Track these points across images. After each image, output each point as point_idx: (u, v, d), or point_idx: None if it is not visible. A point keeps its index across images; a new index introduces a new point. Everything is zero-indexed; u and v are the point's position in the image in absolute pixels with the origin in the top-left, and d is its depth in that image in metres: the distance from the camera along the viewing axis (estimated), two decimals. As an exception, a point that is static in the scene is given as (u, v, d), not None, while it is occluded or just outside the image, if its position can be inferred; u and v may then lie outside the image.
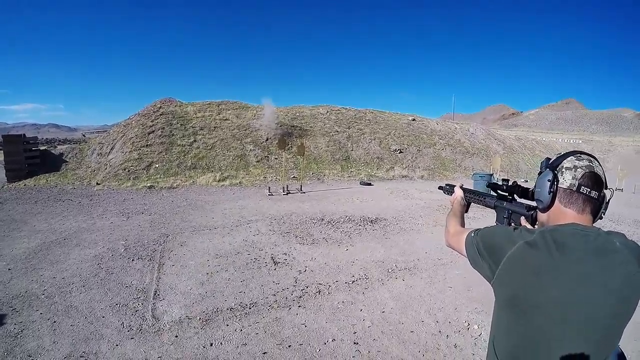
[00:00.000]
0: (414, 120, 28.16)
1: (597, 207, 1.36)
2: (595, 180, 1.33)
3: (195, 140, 17.71)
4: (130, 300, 4.83)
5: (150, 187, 13.20)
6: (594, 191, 1.32)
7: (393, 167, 20.83)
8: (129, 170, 14.62)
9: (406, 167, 21.32)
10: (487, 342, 1.45)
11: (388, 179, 18.75)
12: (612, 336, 1.23)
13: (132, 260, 6.22)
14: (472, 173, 16.50)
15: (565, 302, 1.20)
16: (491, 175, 15.17)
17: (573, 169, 1.35)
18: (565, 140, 58.57)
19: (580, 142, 57.18)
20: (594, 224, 1.35)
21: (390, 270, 6.27)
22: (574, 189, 1.33)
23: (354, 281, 5.75)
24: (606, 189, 1.37)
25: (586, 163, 1.35)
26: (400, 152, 22.67)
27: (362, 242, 7.78)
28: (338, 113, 25.22)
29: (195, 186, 13.96)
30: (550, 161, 1.46)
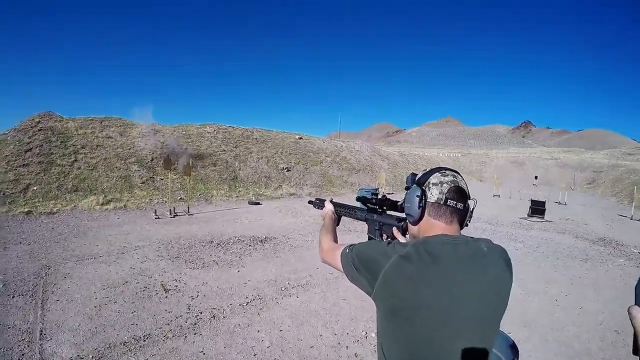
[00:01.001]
0: (300, 138, 29.15)
1: (463, 216, 1.47)
2: (460, 193, 1.43)
3: (76, 160, 16.71)
4: (15, 342, 4.53)
5: (28, 213, 12.22)
6: (459, 203, 1.43)
7: (281, 186, 21.46)
8: (4, 194, 13.29)
9: (294, 185, 22.09)
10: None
11: (276, 198, 19.28)
12: (491, 329, 1.32)
13: (12, 297, 5.84)
14: (358, 188, 17.50)
15: (442, 306, 1.25)
16: (377, 189, 16.29)
17: (439, 185, 1.44)
18: (446, 154, 63.75)
19: (459, 155, 62.50)
20: (461, 232, 1.48)
21: (283, 289, 6.56)
22: (442, 202, 1.42)
23: (248, 302, 5.89)
24: (469, 199, 1.48)
25: (451, 178, 1.45)
26: (288, 170, 23.39)
27: (254, 262, 8.05)
28: (225, 132, 25.36)
29: (77, 210, 13.21)
30: (417, 177, 1.54)
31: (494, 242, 1.40)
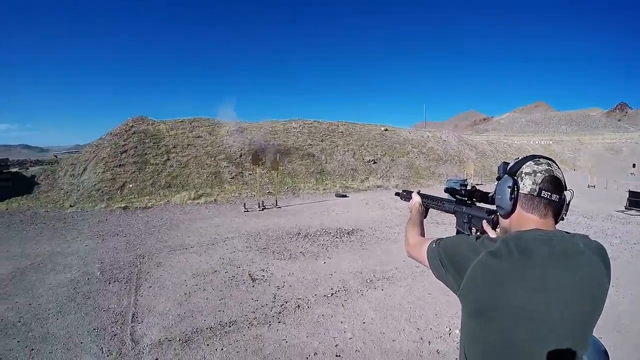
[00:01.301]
0: (386, 130, 28.56)
1: (559, 209, 1.35)
2: (555, 184, 1.32)
3: (168, 159, 17.61)
4: (109, 324, 4.77)
5: (124, 208, 13.04)
6: (554, 194, 1.32)
7: (368, 178, 21.08)
8: (102, 191, 14.43)
9: (381, 177, 21.61)
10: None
11: (363, 190, 18.92)
12: (584, 333, 1.24)
13: (109, 283, 6.16)
14: (446, 179, 16.80)
15: (532, 307, 1.19)
16: (465, 180, 15.46)
17: (533, 174, 1.34)
18: (537, 142, 60.01)
19: (551, 142, 58.63)
20: (556, 226, 1.36)
21: (369, 281, 6.33)
22: (535, 194, 1.32)
23: (333, 294, 5.78)
24: (566, 190, 1.37)
25: (545, 167, 1.34)
26: (374, 162, 22.95)
27: (340, 254, 7.87)
28: (311, 127, 25.44)
29: (170, 205, 13.85)
30: (509, 166, 1.45)
31: (591, 239, 1.30)
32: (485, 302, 1.24)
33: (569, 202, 1.37)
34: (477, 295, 1.26)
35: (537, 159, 1.38)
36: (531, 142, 58.35)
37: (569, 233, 1.30)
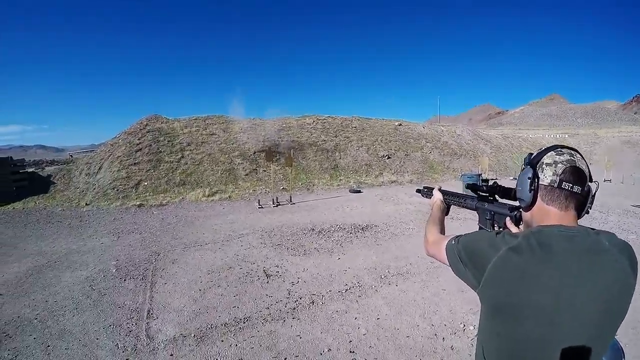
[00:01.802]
0: (400, 125, 28.38)
1: (582, 202, 1.31)
2: (578, 175, 1.28)
3: (183, 157, 17.67)
4: (124, 320, 4.82)
5: (139, 206, 13.13)
6: (576, 186, 1.27)
7: (382, 173, 20.94)
8: (117, 190, 14.53)
9: (395, 172, 21.45)
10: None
11: (377, 185, 18.78)
12: (606, 335, 1.21)
13: (124, 280, 6.20)
14: (461, 174, 16.62)
15: (554, 305, 1.17)
16: (479, 175, 15.29)
17: (553, 165, 1.31)
18: (552, 136, 59.29)
19: (566, 136, 57.82)
20: (581, 219, 1.33)
21: (383, 277, 6.30)
22: (555, 185, 1.29)
23: (347, 289, 5.76)
24: (591, 182, 1.33)
25: (567, 157, 1.31)
26: (389, 157, 22.81)
27: (354, 249, 7.82)
28: (324, 122, 25.34)
29: (185, 202, 13.91)
30: (532, 157, 1.41)
31: (618, 237, 1.25)
32: (504, 299, 1.22)
33: (594, 194, 1.33)
34: (497, 291, 1.24)
35: (559, 149, 1.35)
36: (546, 136, 57.56)
37: (594, 230, 1.27)
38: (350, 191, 16.71)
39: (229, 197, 14.83)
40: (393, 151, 23.66)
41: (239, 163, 18.22)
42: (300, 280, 6.17)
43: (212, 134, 20.30)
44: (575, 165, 1.29)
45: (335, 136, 23.50)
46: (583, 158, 1.35)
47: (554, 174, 1.29)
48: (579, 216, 1.32)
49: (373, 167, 21.49)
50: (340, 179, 19.15)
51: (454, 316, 4.92)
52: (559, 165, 1.29)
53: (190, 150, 18.27)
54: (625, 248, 1.23)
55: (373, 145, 23.61)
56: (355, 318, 4.86)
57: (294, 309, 5.12)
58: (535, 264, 1.18)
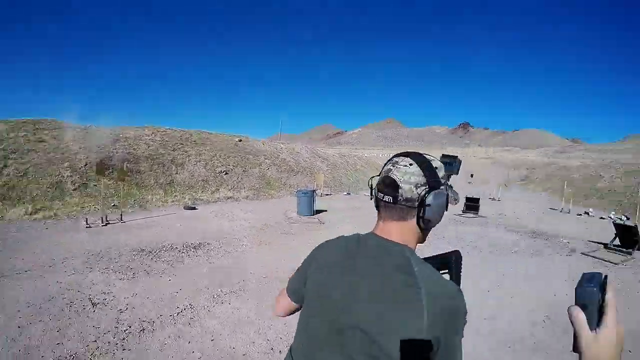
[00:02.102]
0: (240, 141, 29.38)
1: (405, 210, 1.21)
2: (385, 183, 1.23)
3: (5, 166, 15.99)
4: None
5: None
6: (386, 195, 1.22)
7: (218, 189, 21.62)
8: None
9: (231, 188, 22.29)
10: None
11: (213, 202, 19.26)
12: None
13: None
14: (296, 190, 17.71)
15: (317, 293, 1.31)
16: (314, 191, 16.67)
17: (378, 175, 1.31)
18: (386, 155, 66.03)
19: (398, 156, 64.93)
20: (424, 231, 1.29)
21: (215, 296, 6.51)
22: (374, 196, 1.31)
23: (179, 313, 5.80)
24: (401, 188, 1.19)
25: (388, 167, 1.26)
26: (226, 173, 23.59)
27: (186, 269, 8.00)
28: (164, 134, 25.21)
29: (3, 222, 12.43)
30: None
31: (396, 255, 1.17)
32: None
33: (422, 199, 1.20)
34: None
35: (392, 158, 1.30)
36: (380, 155, 63.67)
37: (377, 236, 1.25)
38: (184, 208, 16.90)
39: (55, 215, 13.79)
40: (231, 167, 24.46)
41: (67, 176, 17.09)
42: (129, 306, 6.00)
43: (41, 141, 18.76)
44: (387, 175, 1.24)
45: (174, 150, 23.49)
46: (415, 164, 1.22)
47: (372, 187, 1.36)
48: (419, 224, 1.24)
49: (210, 183, 21.99)
50: (175, 195, 19.24)
51: (289, 329, 5.21)
52: (379, 176, 1.31)
53: (15, 159, 16.62)
54: (396, 256, 1.18)
55: (211, 161, 24.11)
56: (189, 342, 4.90)
57: (124, 339, 4.95)
58: (310, 261, 1.43)
